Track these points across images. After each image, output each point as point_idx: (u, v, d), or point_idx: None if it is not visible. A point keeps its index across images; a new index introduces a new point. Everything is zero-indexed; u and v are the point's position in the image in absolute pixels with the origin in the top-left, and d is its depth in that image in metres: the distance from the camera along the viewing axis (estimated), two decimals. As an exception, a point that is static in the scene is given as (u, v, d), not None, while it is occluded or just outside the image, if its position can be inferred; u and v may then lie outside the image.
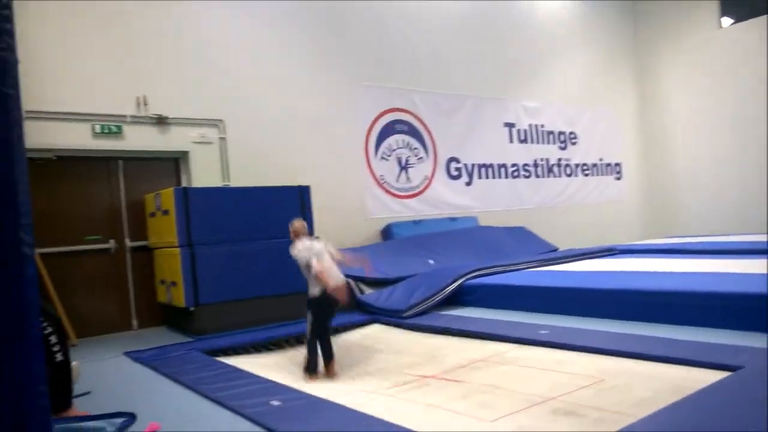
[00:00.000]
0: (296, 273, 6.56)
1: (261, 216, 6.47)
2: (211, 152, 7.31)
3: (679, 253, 8.06)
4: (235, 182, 7.27)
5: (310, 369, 4.46)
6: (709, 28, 11.76)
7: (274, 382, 3.91)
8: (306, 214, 6.85)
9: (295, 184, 6.94)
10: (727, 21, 11.70)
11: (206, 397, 3.69)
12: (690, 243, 8.86)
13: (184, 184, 7.16)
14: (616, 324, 4.96)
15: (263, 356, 5.02)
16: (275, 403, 3.38)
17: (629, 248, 8.96)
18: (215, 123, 7.35)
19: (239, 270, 6.22)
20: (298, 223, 5.12)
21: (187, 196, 6.08)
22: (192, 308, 5.97)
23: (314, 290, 4.65)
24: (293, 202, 6.78)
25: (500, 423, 2.98)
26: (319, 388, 3.89)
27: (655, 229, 12.55)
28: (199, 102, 7.19)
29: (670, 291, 4.91)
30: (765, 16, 10.85)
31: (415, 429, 2.85)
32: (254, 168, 7.45)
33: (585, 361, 4.03)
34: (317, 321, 4.63)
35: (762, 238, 8.57)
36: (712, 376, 3.22)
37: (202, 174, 7.19)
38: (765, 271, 5.40)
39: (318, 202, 7.18)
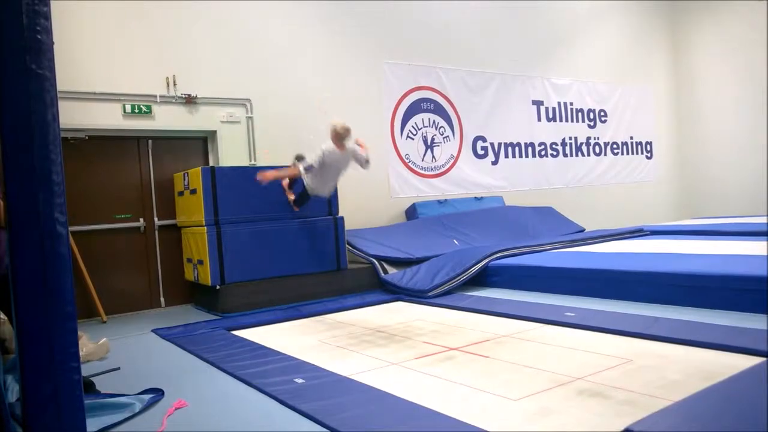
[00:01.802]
0: (321, 252, 6.64)
1: (285, 196, 6.51)
2: (238, 131, 7.36)
3: (710, 234, 7.89)
4: (261, 161, 7.32)
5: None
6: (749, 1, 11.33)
7: (298, 360, 3.97)
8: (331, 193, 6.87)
9: (321, 163, 6.95)
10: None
11: (231, 374, 3.76)
12: (722, 224, 8.66)
13: (211, 163, 7.23)
14: (645, 307, 4.90)
15: (288, 335, 5.08)
16: (299, 380, 3.43)
17: (659, 229, 8.81)
18: (243, 102, 7.38)
19: (265, 249, 6.29)
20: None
21: (215, 175, 6.14)
22: (218, 287, 6.06)
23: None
24: (319, 182, 6.80)
25: (524, 402, 2.97)
26: (340, 363, 3.93)
27: (686, 210, 12.30)
28: (226, 82, 7.23)
29: (701, 273, 4.81)
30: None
31: (436, 407, 2.87)
32: (280, 147, 7.48)
33: (612, 342, 3.99)
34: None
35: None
36: (744, 362, 3.16)
37: (230, 153, 7.25)
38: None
39: (343, 181, 7.16)
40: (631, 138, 11.82)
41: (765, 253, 5.54)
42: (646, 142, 12.07)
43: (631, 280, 5.25)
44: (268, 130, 7.51)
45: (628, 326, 4.24)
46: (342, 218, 6.92)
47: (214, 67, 7.16)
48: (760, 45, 11.04)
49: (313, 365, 3.80)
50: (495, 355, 3.93)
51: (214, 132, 7.20)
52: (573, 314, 4.77)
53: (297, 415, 2.95)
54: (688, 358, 3.52)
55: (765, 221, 8.53)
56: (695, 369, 3.28)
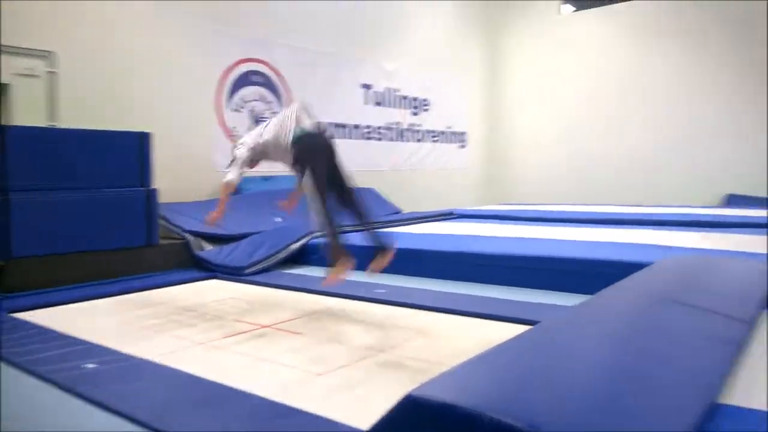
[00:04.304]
0: (129, 226, 6.16)
1: (92, 163, 5.95)
2: (37, 87, 6.51)
3: (509, 219, 8.77)
4: (65, 123, 6.57)
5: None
6: (551, 12, 12.72)
7: (90, 343, 3.63)
8: (145, 163, 6.42)
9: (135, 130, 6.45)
10: (567, 8, 12.71)
11: (8, 362, 3.31)
12: (520, 210, 9.67)
13: (2, 121, 6.32)
14: (448, 284, 5.35)
15: (82, 316, 4.62)
16: (90, 366, 3.17)
17: (467, 213, 9.59)
18: (44, 54, 6.53)
19: (63, 221, 5.67)
20: None
21: (4, 135, 5.40)
22: (2, 262, 5.36)
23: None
24: (131, 150, 6.31)
25: (326, 377, 3.08)
26: (142, 345, 3.69)
27: (493, 196, 13.54)
28: (24, 28, 6.33)
29: (495, 254, 5.38)
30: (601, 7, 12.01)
31: (238, 385, 2.86)
32: (89, 110, 6.77)
33: (416, 317, 4.31)
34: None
35: (585, 209, 9.62)
36: (519, 330, 3.59)
37: (25, 112, 6.38)
38: (581, 238, 6.11)
39: (161, 152, 6.74)
40: (449, 127, 12.65)
41: (554, 237, 6.32)
42: (461, 132, 13.02)
43: (437, 259, 5.68)
44: (77, 90, 6.75)
45: (430, 301, 4.64)
46: (155, 190, 6.47)
47: (6, 7, 6.22)
48: (565, 47, 12.45)
49: (108, 348, 3.50)
50: (306, 331, 4.01)
51: (6, 86, 6.29)
52: (383, 291, 5.03)
53: (84, 402, 2.73)
54: (476, 327, 3.93)
55: (558, 209, 9.69)
56: (480, 337, 3.63)
